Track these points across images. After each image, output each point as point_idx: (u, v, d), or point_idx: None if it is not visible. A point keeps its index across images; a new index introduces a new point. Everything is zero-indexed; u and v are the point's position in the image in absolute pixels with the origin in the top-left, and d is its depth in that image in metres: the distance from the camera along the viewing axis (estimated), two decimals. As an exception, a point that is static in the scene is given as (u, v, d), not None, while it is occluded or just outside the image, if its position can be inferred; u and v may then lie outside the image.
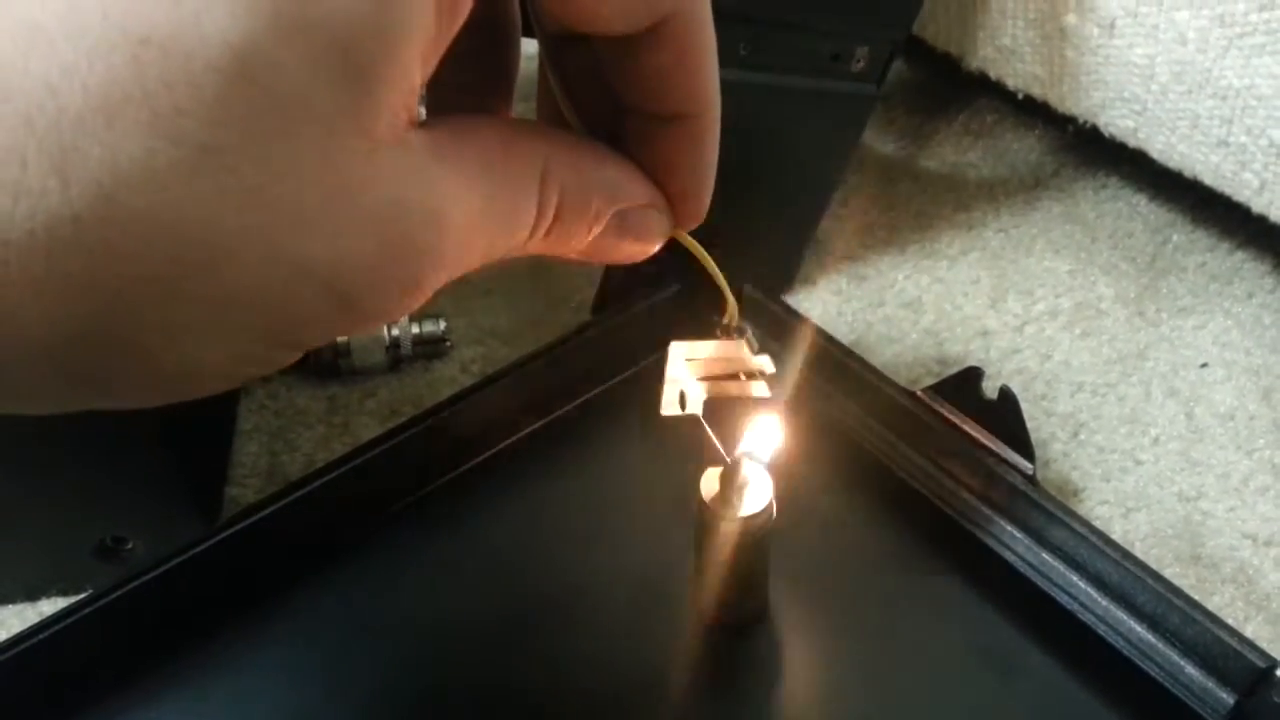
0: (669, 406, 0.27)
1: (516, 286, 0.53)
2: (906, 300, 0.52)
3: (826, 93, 0.46)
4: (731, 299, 0.27)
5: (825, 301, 0.52)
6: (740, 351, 0.28)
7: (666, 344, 0.46)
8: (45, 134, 0.13)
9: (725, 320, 0.27)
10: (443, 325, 0.49)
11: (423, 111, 0.19)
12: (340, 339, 0.47)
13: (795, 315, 0.44)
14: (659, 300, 0.45)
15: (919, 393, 0.40)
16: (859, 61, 0.46)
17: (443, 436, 0.40)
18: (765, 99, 0.45)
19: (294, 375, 0.48)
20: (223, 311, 0.15)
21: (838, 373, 0.42)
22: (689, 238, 0.24)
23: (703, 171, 0.23)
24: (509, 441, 0.42)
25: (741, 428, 0.33)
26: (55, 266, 0.14)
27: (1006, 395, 0.39)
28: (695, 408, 0.28)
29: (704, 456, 0.30)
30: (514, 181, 0.19)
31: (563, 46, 0.22)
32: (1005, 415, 0.39)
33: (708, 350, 0.28)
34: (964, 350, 0.49)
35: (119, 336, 0.15)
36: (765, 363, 0.28)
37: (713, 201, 0.52)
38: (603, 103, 0.22)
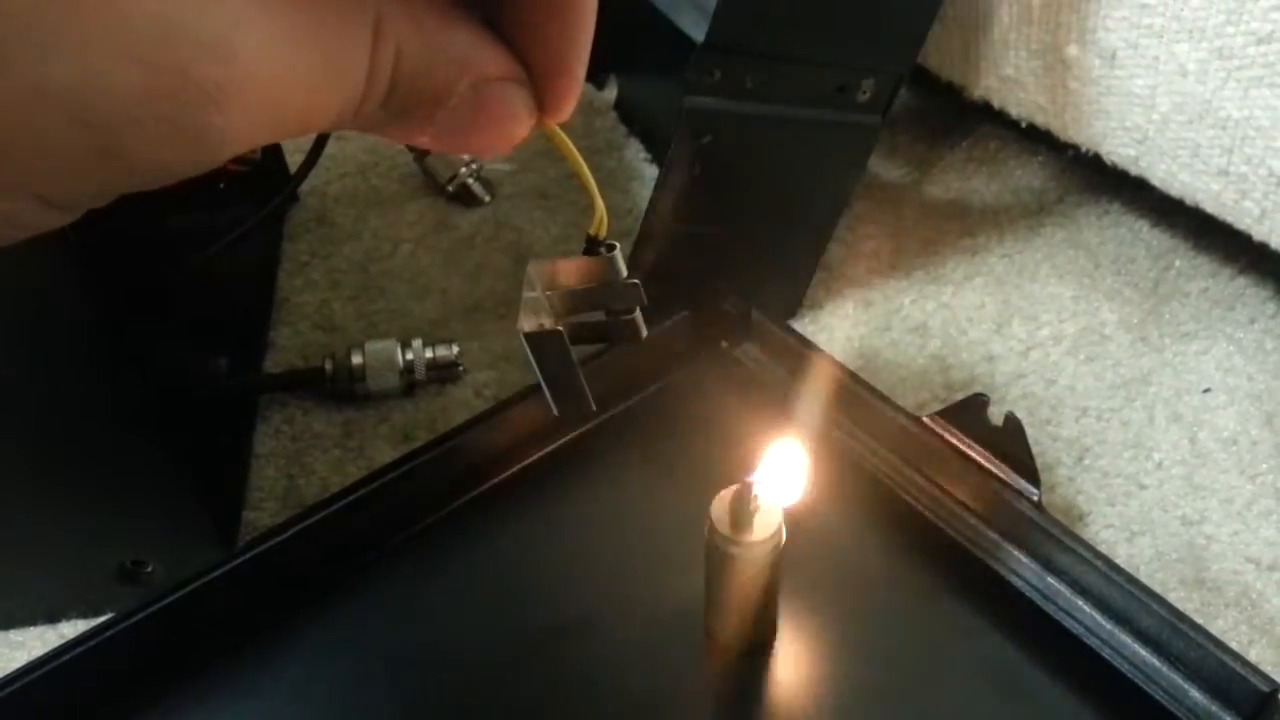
0: (526, 323, 0.24)
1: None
2: (913, 325, 0.52)
3: (833, 123, 0.47)
4: (602, 208, 0.24)
5: (832, 327, 0.52)
6: (609, 272, 0.25)
7: (675, 370, 0.47)
8: None
9: (594, 232, 0.24)
10: (456, 350, 0.49)
11: None
12: (355, 362, 0.48)
13: (803, 341, 0.44)
14: (667, 326, 0.46)
15: (926, 419, 0.40)
16: (865, 92, 0.47)
17: (457, 462, 0.41)
18: (772, 130, 0.46)
19: (310, 399, 0.49)
20: None
21: (845, 399, 0.42)
22: (559, 132, 0.21)
23: (573, 46, 0.19)
24: (521, 466, 0.42)
25: (760, 457, 0.34)
26: None
27: (1012, 422, 0.40)
28: (556, 327, 0.25)
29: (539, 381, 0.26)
30: (337, 27, 0.16)
31: None
32: (1011, 441, 0.39)
33: (573, 268, 0.25)
34: (970, 375, 0.49)
35: None
36: (636, 291, 0.25)
37: (720, 229, 0.52)
38: None
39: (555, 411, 0.26)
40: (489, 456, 0.42)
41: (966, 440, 0.39)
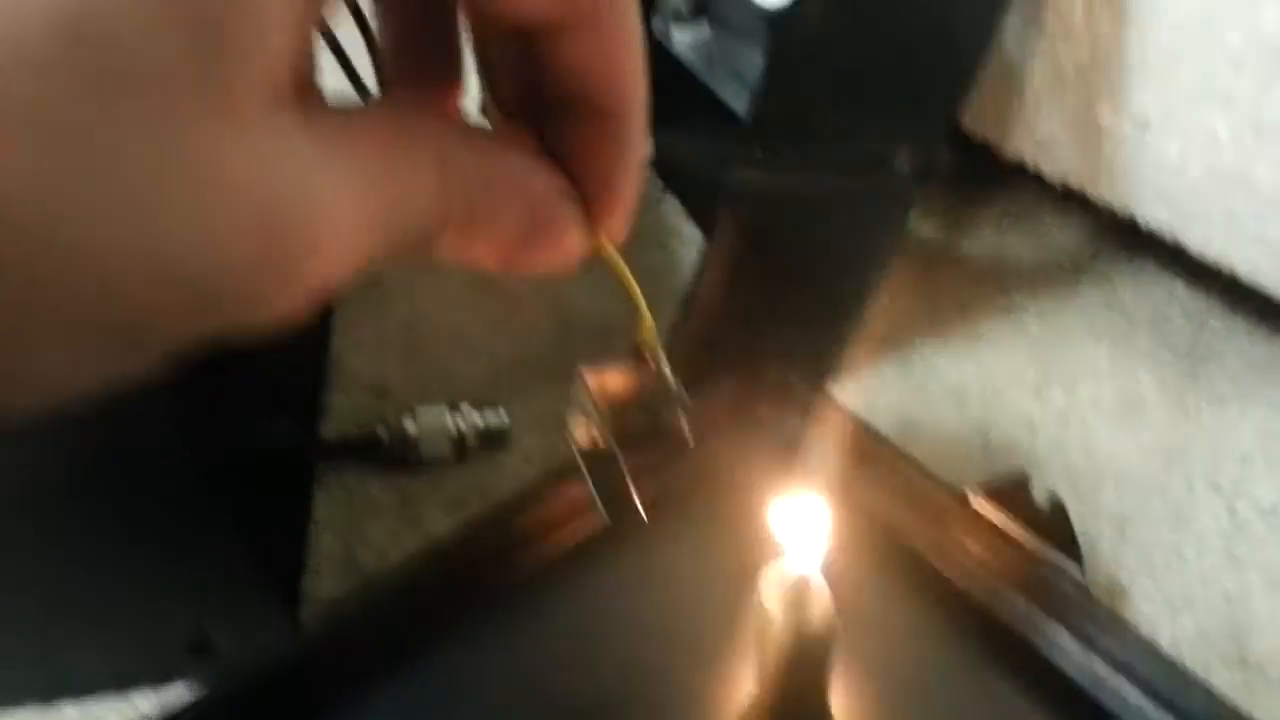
0: (580, 436, 0.25)
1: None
2: (949, 386, 0.53)
3: (871, 193, 0.49)
4: (649, 318, 0.25)
5: (869, 389, 0.53)
6: (657, 380, 0.26)
7: (718, 438, 0.48)
8: None
9: (639, 342, 0.25)
10: (505, 417, 0.51)
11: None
12: (410, 431, 0.50)
13: (844, 411, 0.45)
14: (710, 394, 0.47)
15: (969, 495, 0.41)
16: (902, 162, 0.48)
17: (512, 534, 0.42)
18: (813, 201, 0.47)
19: (365, 467, 0.51)
20: (60, 306, 0.14)
21: (888, 472, 0.43)
22: (609, 248, 0.22)
23: (623, 173, 0.21)
24: (571, 538, 0.43)
25: (785, 529, 0.35)
26: None
27: (1056, 503, 0.41)
28: (609, 441, 0.25)
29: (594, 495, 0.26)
30: (407, 167, 0.17)
31: (488, 36, 0.21)
32: (1054, 521, 0.40)
33: (622, 377, 0.26)
34: (1008, 440, 0.50)
35: None
36: (683, 399, 0.26)
37: (763, 298, 0.53)
38: (531, 99, 0.20)
39: (609, 522, 0.28)
40: (542, 529, 0.43)
41: (1010, 520, 0.40)
